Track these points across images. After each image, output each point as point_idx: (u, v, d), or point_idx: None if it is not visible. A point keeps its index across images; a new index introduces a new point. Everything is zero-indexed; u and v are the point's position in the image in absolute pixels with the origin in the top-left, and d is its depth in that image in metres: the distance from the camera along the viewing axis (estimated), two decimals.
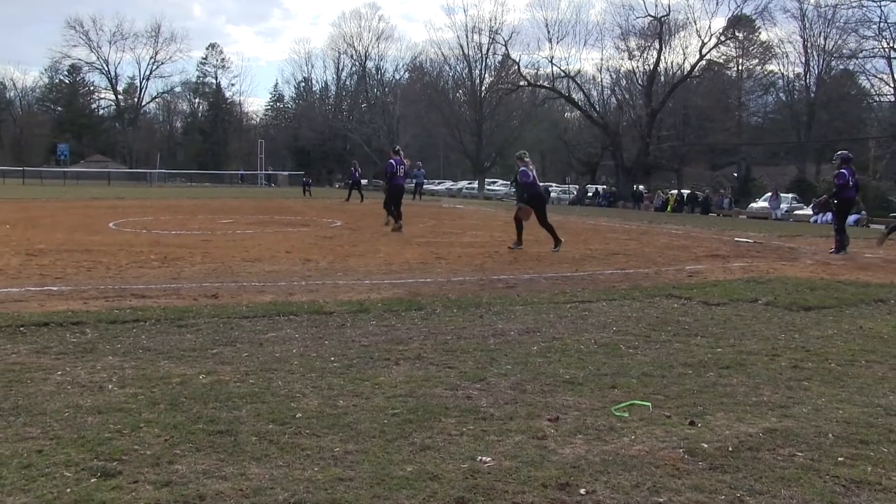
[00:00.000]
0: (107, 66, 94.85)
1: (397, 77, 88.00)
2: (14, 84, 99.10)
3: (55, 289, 8.39)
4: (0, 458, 3.56)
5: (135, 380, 4.87)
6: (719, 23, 66.54)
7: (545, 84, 59.34)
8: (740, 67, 62.14)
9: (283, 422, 4.12)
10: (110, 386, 4.73)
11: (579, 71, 61.10)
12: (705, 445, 3.87)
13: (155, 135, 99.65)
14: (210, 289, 8.51)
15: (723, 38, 53.68)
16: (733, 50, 59.55)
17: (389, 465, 3.54)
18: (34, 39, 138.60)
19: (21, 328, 6.23)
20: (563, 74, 57.34)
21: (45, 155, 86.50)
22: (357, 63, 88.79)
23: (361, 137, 79.02)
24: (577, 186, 58.29)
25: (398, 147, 19.37)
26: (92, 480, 3.34)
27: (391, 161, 17.63)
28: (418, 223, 20.59)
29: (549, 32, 59.55)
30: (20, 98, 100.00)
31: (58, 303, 7.52)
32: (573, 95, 57.67)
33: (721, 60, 59.01)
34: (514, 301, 8.09)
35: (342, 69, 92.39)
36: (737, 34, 56.07)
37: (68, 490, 3.23)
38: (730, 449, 3.83)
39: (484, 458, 3.65)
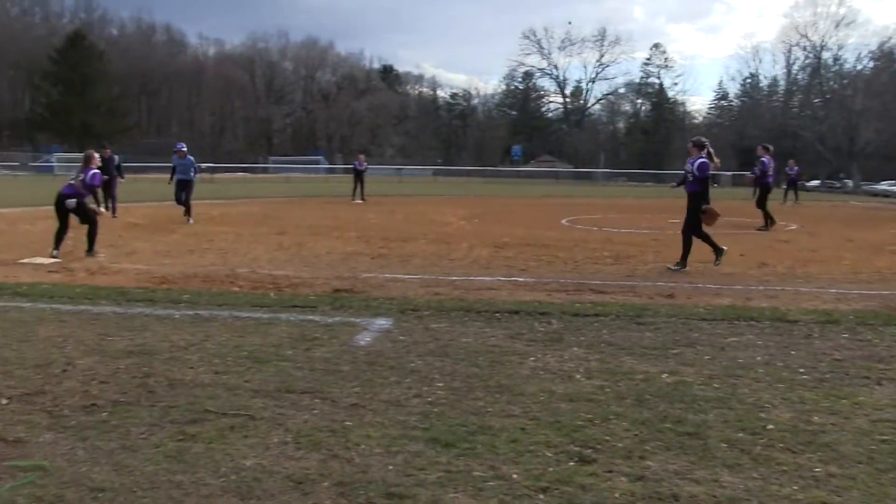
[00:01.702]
0: (556, 70, 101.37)
1: (859, 67, 79.72)
2: (478, 92, 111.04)
3: (521, 280, 9.10)
4: (492, 429, 3.94)
5: (600, 372, 5.04)
6: None
7: None
8: None
9: (753, 431, 3.94)
10: (578, 376, 4.96)
11: None
12: None
13: (599, 135, 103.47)
14: (665, 288, 8.52)
15: None
16: None
17: (885, 499, 3.17)
18: (495, 52, 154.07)
19: (496, 314, 6.86)
20: None
21: (501, 155, 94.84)
22: (811, 55, 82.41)
23: (813, 135, 73.22)
24: None
25: (768, 146, 18.87)
26: (570, 464, 3.52)
27: (763, 159, 18.21)
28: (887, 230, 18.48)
29: None
30: (481, 105, 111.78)
31: (524, 293, 8.14)
32: None
33: None
34: None
35: (793, 62, 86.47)
36: None
37: (550, 469, 3.45)
38: None
39: None
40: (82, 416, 4.08)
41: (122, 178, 19.12)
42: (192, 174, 17.07)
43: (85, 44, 77.71)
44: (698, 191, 10.25)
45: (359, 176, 27.77)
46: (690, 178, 10.37)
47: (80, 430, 3.87)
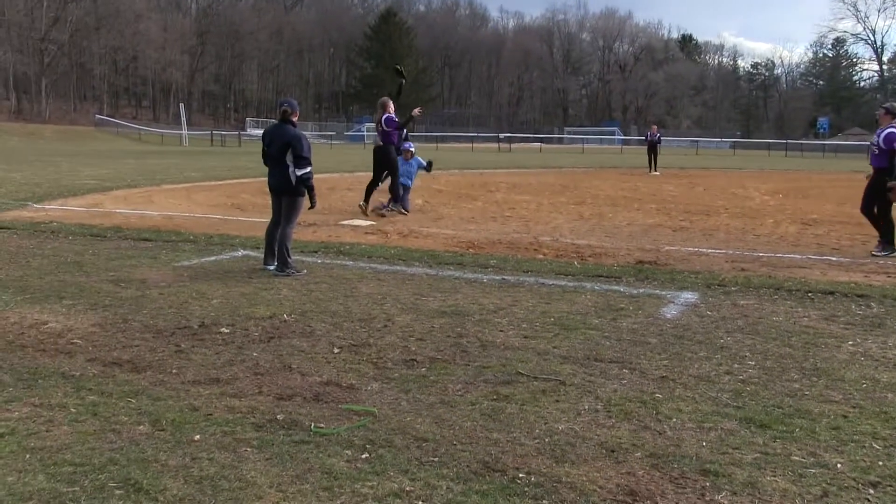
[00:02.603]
0: (872, 35, 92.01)
1: None
2: (782, 61, 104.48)
3: (833, 259, 8.50)
4: (811, 414, 3.80)
5: None
6: None
7: None
8: None
9: None
10: None
11: None
12: None
13: None
14: None
15: None
16: None
17: None
18: (802, 17, 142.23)
19: (809, 294, 6.52)
20: None
21: (804, 128, 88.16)
22: None
23: None
24: None
25: None
26: None
27: None
28: None
29: None
30: (785, 74, 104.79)
31: (838, 273, 7.61)
32: None
33: None
34: None
35: None
36: None
37: (880, 463, 3.26)
38: None
39: None
40: (403, 369, 4.49)
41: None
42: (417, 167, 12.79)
43: (395, 21, 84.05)
44: (884, 165, 8.93)
45: (652, 147, 27.23)
46: (876, 152, 9.00)
47: (403, 382, 4.26)
